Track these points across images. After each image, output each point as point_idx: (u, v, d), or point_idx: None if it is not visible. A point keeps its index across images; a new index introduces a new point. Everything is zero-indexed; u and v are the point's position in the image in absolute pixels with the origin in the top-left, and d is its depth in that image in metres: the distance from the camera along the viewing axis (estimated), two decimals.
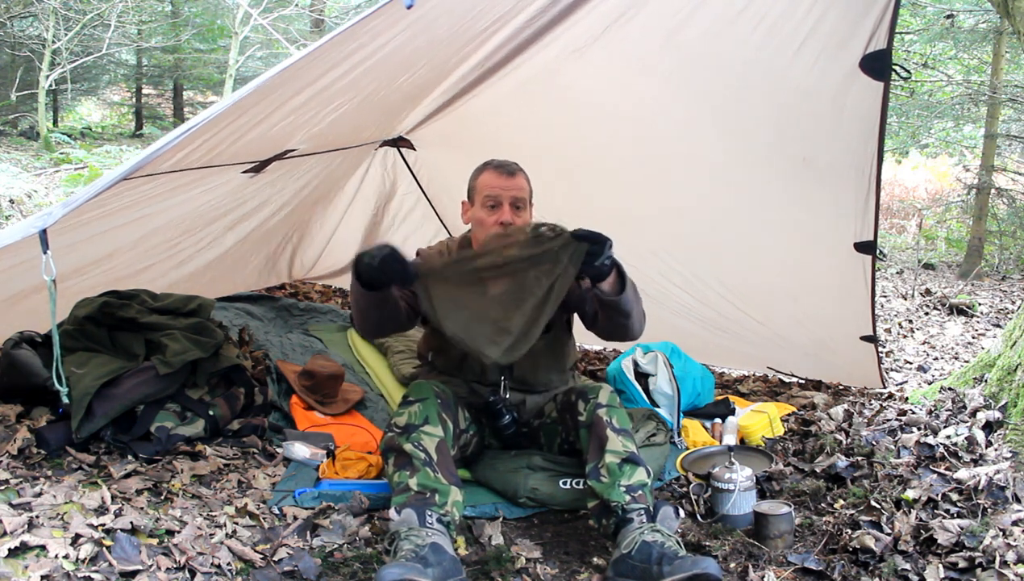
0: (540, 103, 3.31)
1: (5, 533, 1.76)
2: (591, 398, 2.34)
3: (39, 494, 1.99)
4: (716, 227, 3.56)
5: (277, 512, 2.22)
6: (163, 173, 2.45)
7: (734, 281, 3.70)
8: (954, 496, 2.27)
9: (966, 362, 4.28)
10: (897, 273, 8.71)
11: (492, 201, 2.37)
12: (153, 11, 12.44)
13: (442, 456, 2.18)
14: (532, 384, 2.57)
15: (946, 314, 6.60)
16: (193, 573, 1.82)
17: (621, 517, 2.10)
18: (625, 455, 2.21)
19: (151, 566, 1.79)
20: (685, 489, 2.60)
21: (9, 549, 1.70)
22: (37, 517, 1.86)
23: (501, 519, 2.34)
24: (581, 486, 2.35)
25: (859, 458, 2.64)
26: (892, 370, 4.55)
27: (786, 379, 4.01)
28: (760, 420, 3.07)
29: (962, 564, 1.97)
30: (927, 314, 6.58)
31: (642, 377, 3.28)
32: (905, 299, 7.14)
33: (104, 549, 1.79)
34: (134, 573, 1.75)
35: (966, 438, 2.57)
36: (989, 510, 2.17)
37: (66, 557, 1.73)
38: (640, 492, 2.15)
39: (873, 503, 2.31)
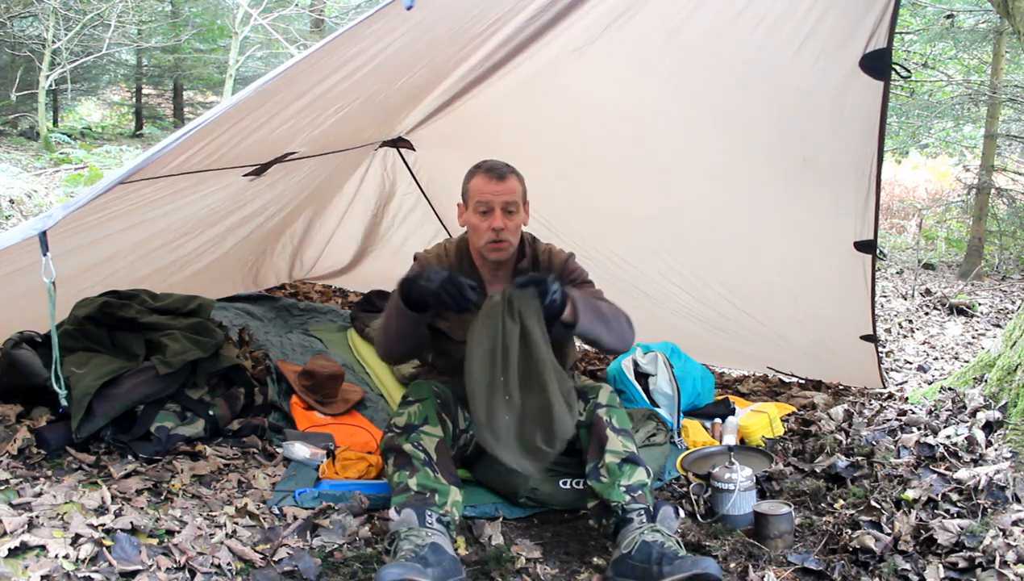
0: (540, 103, 3.31)
1: (5, 533, 1.76)
2: (591, 398, 2.34)
3: (39, 494, 1.98)
4: (716, 227, 3.56)
5: (277, 512, 2.22)
6: (165, 176, 2.45)
7: (734, 281, 3.70)
8: (954, 496, 2.27)
9: (966, 362, 4.28)
10: (897, 273, 8.71)
11: (484, 207, 2.37)
12: (153, 11, 12.43)
13: (442, 456, 2.18)
14: None
15: (946, 314, 6.60)
16: (193, 573, 1.82)
17: (621, 517, 2.10)
18: (625, 455, 2.21)
19: (151, 566, 1.79)
20: (685, 489, 2.60)
21: (9, 549, 1.70)
22: (37, 517, 1.86)
23: (501, 519, 2.34)
24: (581, 486, 2.35)
25: (859, 458, 2.64)
26: (892, 370, 4.55)
27: (786, 379, 4.01)
28: (760, 420, 3.07)
29: (962, 564, 1.97)
30: (927, 314, 6.58)
31: (642, 377, 3.28)
32: (905, 299, 7.14)
33: (104, 549, 1.79)
34: (134, 573, 1.75)
35: (966, 438, 2.57)
36: (989, 510, 2.17)
37: (66, 557, 1.73)
38: (640, 492, 2.15)
39: (873, 503, 2.31)
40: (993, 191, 8.96)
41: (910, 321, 6.24)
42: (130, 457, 2.36)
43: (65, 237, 2.40)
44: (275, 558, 1.97)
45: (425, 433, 2.20)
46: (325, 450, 2.60)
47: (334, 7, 14.14)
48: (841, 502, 2.41)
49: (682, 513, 2.34)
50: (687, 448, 2.94)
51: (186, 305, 2.80)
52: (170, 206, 2.83)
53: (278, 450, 2.63)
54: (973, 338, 5.68)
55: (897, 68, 2.69)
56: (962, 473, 2.35)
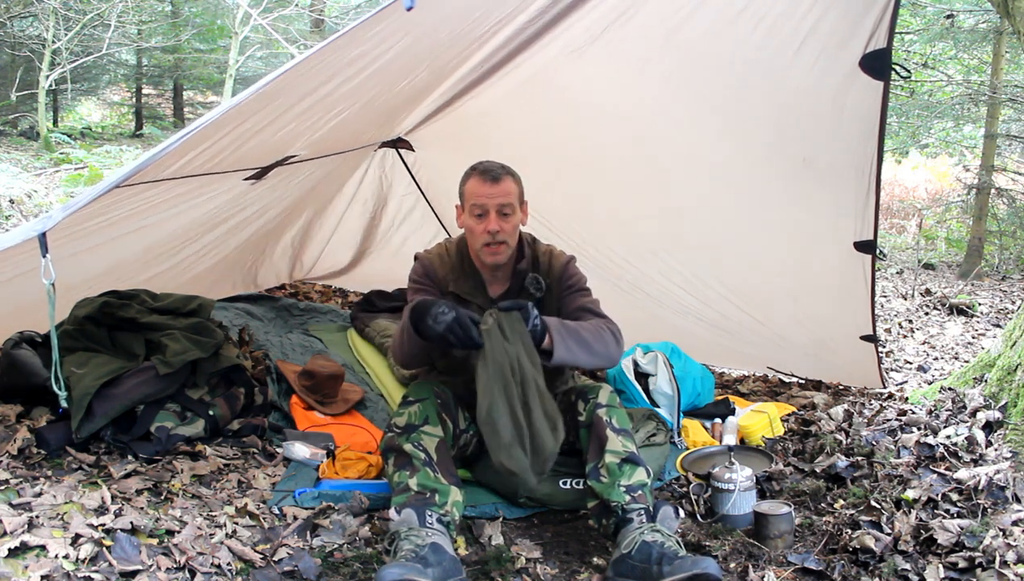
0: (539, 103, 3.31)
1: (5, 533, 1.76)
2: (591, 398, 2.34)
3: (39, 494, 1.98)
4: (716, 227, 3.56)
5: (277, 512, 2.22)
6: (166, 179, 2.44)
7: (734, 281, 3.71)
8: (954, 496, 2.27)
9: (966, 362, 4.28)
10: (897, 273, 8.71)
11: (479, 210, 2.37)
12: (153, 11, 12.43)
13: (442, 456, 2.18)
14: None
15: (946, 314, 6.60)
16: (193, 573, 1.82)
17: (621, 517, 2.10)
18: (625, 455, 2.21)
19: (151, 566, 1.79)
20: (685, 489, 2.60)
21: (9, 549, 1.70)
22: (37, 517, 1.86)
23: (501, 519, 2.34)
24: (581, 486, 2.35)
25: (859, 458, 2.64)
26: (892, 370, 4.55)
27: (786, 379, 4.01)
28: (760, 420, 3.07)
29: (962, 564, 1.97)
30: (927, 314, 6.58)
31: (642, 377, 3.28)
32: (905, 299, 7.14)
33: (104, 549, 1.79)
34: (134, 573, 1.75)
35: (966, 438, 2.57)
36: (989, 510, 2.17)
37: (66, 557, 1.73)
38: (640, 492, 2.15)
39: (873, 503, 2.31)
40: (993, 191, 8.96)
41: (910, 321, 6.24)
42: (130, 457, 2.36)
43: (67, 242, 2.40)
44: (275, 558, 1.97)
45: (425, 433, 2.20)
46: (325, 450, 2.59)
47: (334, 7, 14.14)
48: (841, 502, 2.41)
49: (682, 513, 2.34)
50: (687, 448, 2.94)
51: (186, 305, 2.80)
52: (172, 211, 2.83)
53: (278, 450, 2.63)
54: (973, 338, 5.68)
55: (897, 68, 2.69)
56: (962, 473, 2.35)
